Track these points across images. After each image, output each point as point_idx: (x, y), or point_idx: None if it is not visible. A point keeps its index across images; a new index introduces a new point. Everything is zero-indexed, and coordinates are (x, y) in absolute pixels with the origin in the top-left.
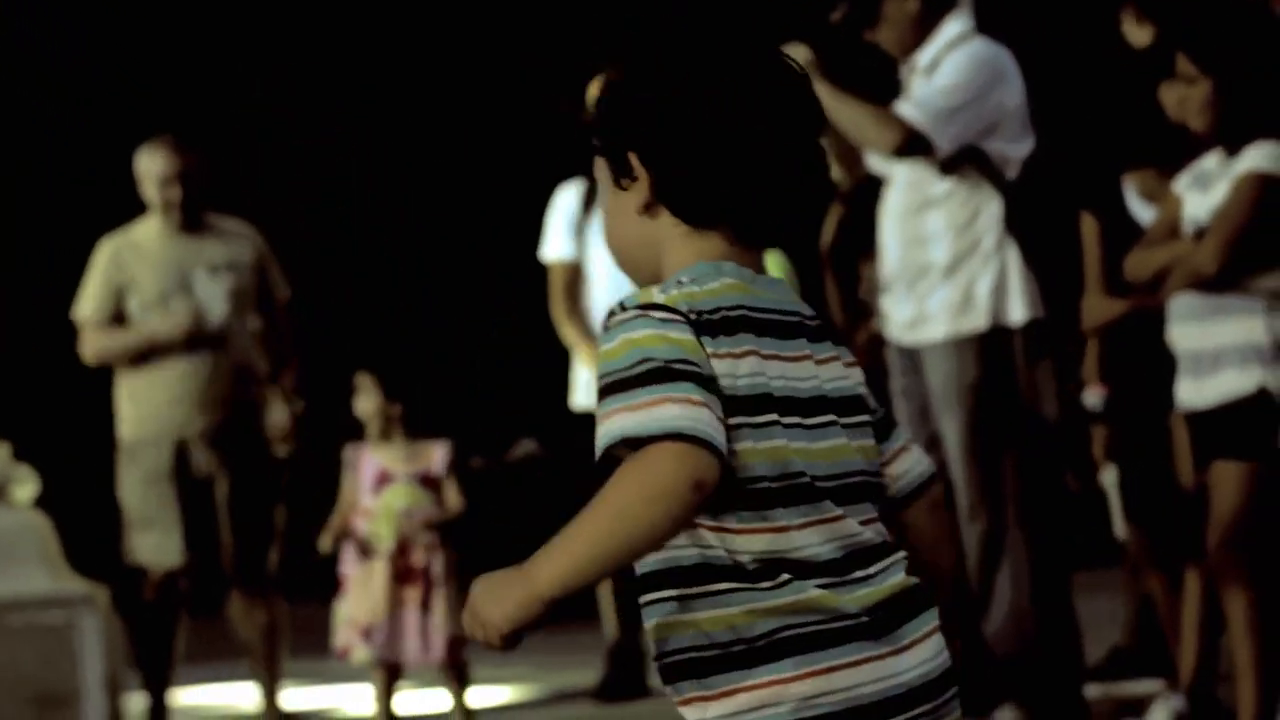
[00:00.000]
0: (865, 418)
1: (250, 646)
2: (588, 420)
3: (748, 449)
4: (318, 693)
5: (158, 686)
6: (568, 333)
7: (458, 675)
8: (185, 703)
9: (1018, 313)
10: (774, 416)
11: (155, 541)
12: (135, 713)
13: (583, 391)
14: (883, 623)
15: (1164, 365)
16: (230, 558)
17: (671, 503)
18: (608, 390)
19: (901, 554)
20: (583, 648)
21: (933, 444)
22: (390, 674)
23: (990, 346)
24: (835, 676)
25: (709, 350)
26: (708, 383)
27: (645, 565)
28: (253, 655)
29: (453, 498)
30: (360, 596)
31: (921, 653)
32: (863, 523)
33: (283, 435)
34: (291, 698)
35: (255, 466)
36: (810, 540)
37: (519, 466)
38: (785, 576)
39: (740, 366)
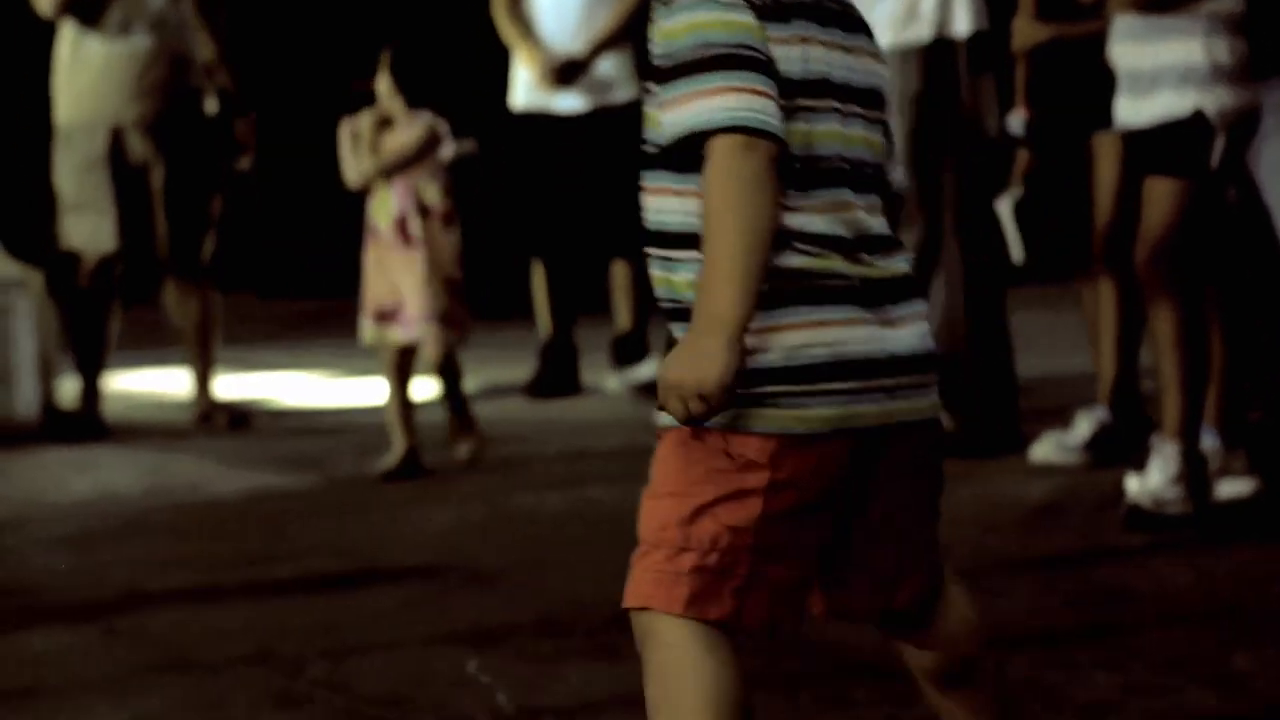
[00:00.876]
0: (880, 114)
1: (184, 334)
2: (527, 120)
3: (802, 130)
4: (250, 380)
5: (91, 371)
6: (508, 32)
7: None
8: (118, 388)
9: (962, 25)
10: (832, 103)
11: (90, 226)
12: (68, 397)
13: (521, 91)
14: (876, 296)
15: (1088, 91)
16: (164, 245)
17: (764, 185)
18: (671, 73)
19: (906, 250)
20: (515, 344)
21: None
22: (402, 358)
23: (934, 58)
24: (825, 331)
25: (770, 34)
26: (768, 68)
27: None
28: (186, 342)
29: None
30: (369, 278)
31: (910, 330)
32: (870, 212)
33: (244, 148)
34: (224, 385)
35: (192, 155)
36: (823, 223)
37: (457, 165)
38: (790, 245)
39: (797, 52)
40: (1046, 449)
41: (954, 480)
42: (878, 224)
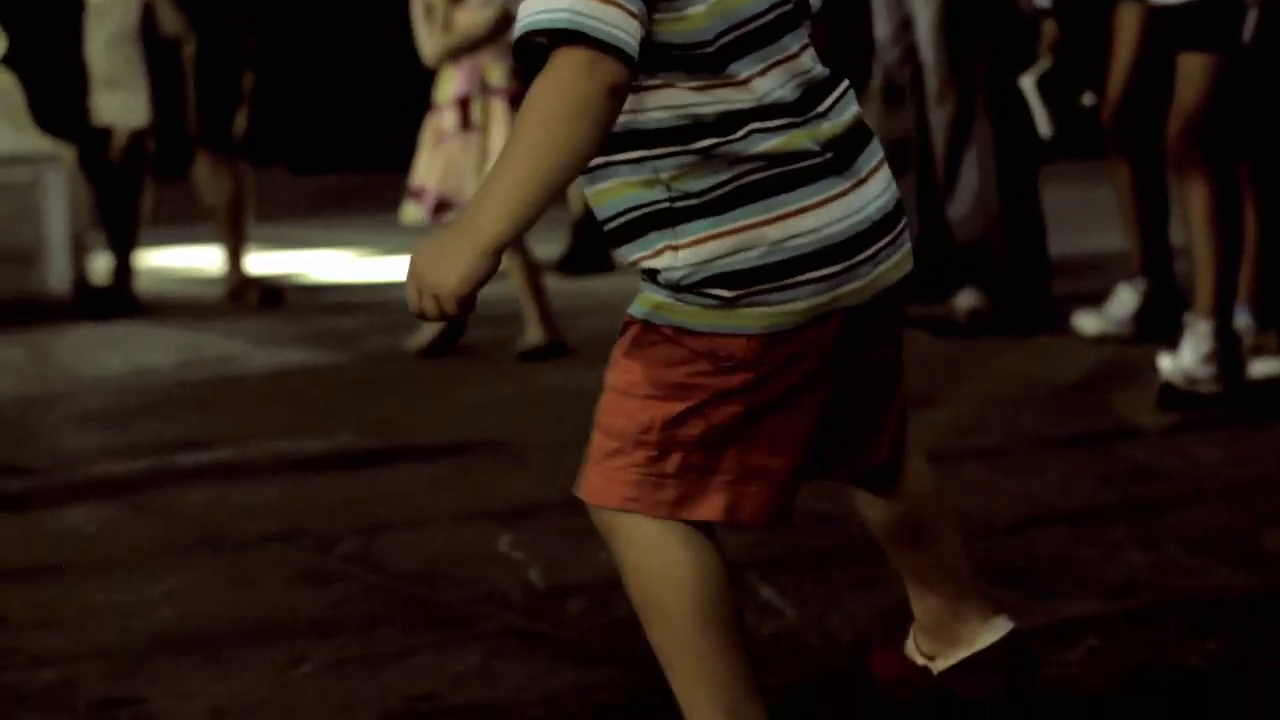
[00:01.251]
0: None
1: (215, 209)
2: None
3: (699, 12)
4: (281, 258)
5: (123, 247)
6: None
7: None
8: (150, 264)
9: None
10: None
11: (121, 101)
12: (100, 273)
13: None
14: (843, 157)
15: None
16: (196, 119)
17: (591, 114)
18: None
19: (846, 85)
20: (547, 221)
21: (905, 27)
22: None
23: None
24: (805, 218)
25: None
26: None
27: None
28: (218, 218)
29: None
30: (422, 153)
31: (878, 184)
32: (808, 54)
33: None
34: (255, 262)
35: (224, 29)
36: (771, 85)
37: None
38: (749, 128)
39: None
40: (1091, 322)
41: (987, 358)
42: (816, 65)
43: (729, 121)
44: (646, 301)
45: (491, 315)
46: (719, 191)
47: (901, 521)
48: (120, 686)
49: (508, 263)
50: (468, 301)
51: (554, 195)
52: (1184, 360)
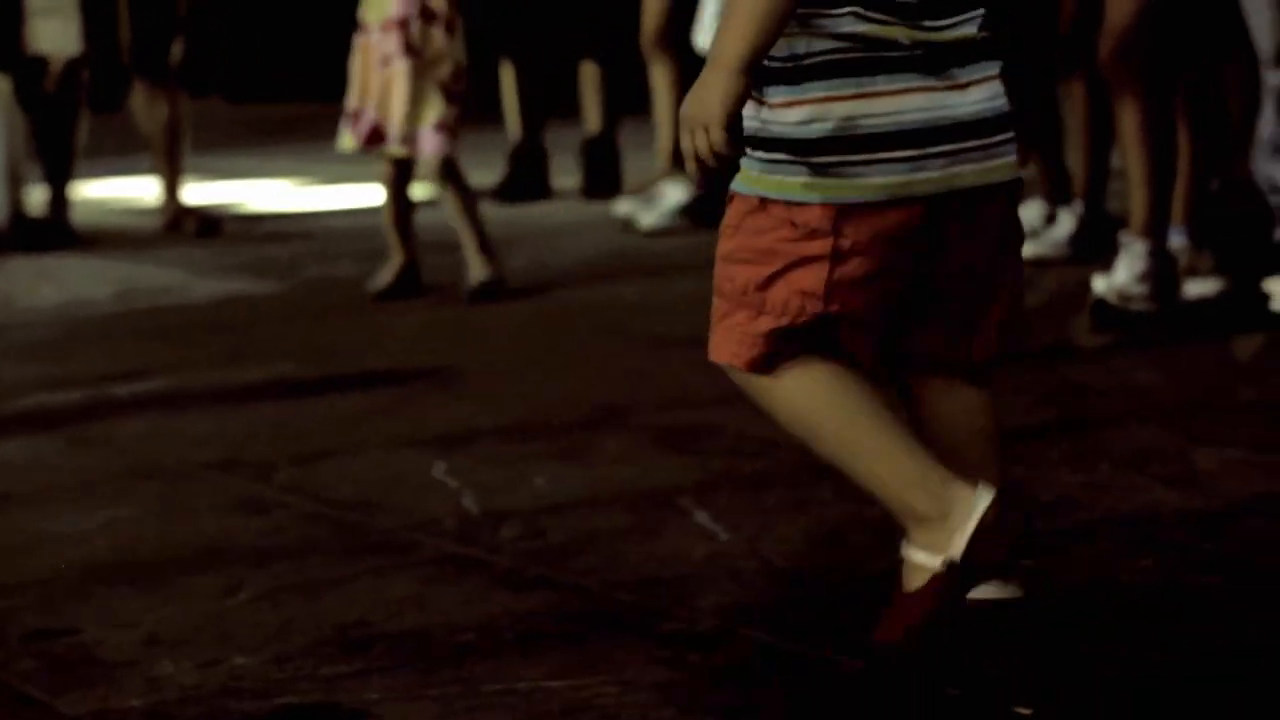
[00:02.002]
0: None
1: (151, 139)
2: None
3: None
4: (218, 188)
5: (59, 178)
6: None
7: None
8: (87, 196)
9: None
10: None
11: (54, 29)
12: (36, 204)
13: None
14: (938, 60)
15: None
16: (131, 48)
17: None
18: None
19: (980, 11)
20: (483, 148)
21: None
22: (397, 169)
23: None
24: (879, 101)
25: None
26: None
27: None
28: (154, 148)
29: None
30: (352, 77)
31: (977, 93)
32: None
33: None
34: (192, 192)
35: None
36: None
37: None
38: (849, 9)
39: None
40: (1032, 245)
41: None
42: None
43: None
44: (742, 176)
45: (429, 243)
46: (802, 62)
47: (971, 423)
48: (55, 617)
49: (441, 193)
50: (735, 127)
51: (785, 16)
52: (1118, 278)
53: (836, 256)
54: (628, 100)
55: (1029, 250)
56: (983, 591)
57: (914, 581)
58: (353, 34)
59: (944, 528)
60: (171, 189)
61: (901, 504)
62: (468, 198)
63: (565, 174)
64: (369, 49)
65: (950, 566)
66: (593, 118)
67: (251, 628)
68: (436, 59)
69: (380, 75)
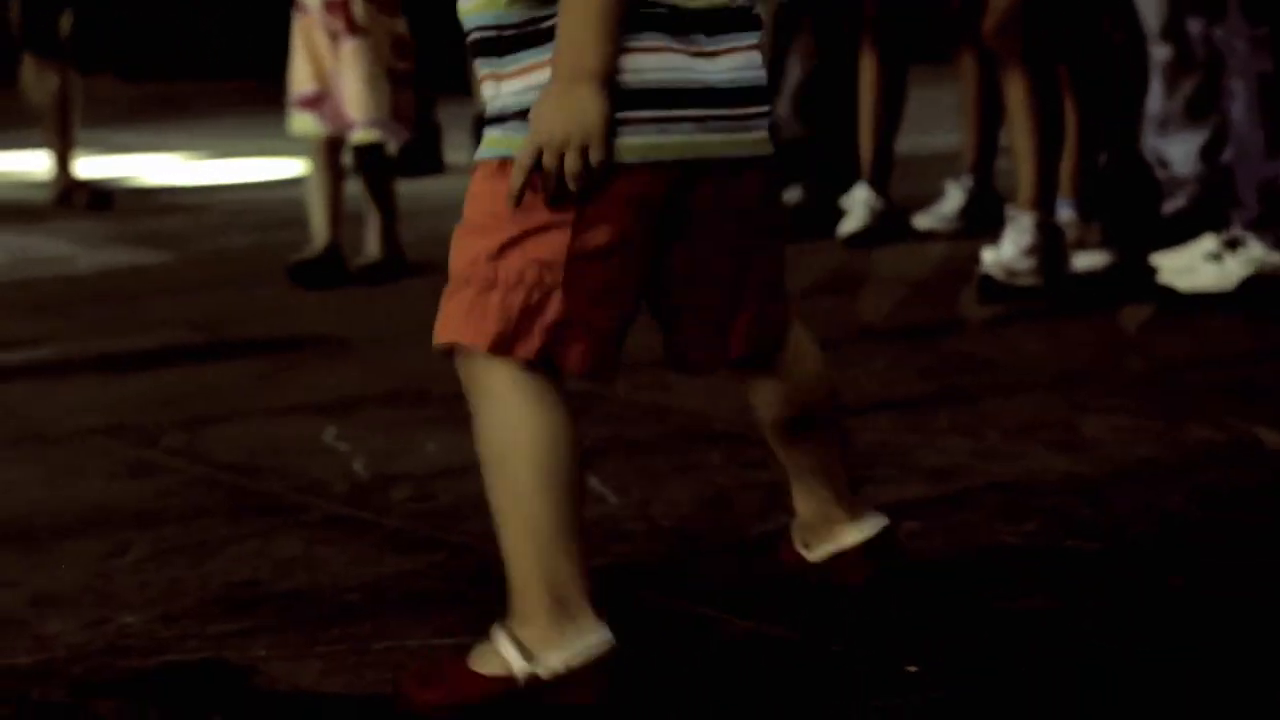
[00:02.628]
0: None
1: (42, 112)
2: None
3: None
4: (109, 162)
5: None
6: None
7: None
8: None
9: None
10: None
11: None
12: None
13: None
14: (690, 24)
15: None
16: (19, 20)
17: None
18: None
19: None
20: None
21: None
22: (330, 149)
23: None
24: (627, 58)
25: None
26: None
27: None
28: (45, 121)
29: None
30: (299, 60)
31: (731, 61)
32: None
33: None
34: (84, 167)
35: None
36: None
37: None
38: None
39: None
40: (925, 219)
41: (811, 255)
42: None
43: None
44: (486, 140)
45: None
46: (541, 25)
47: (788, 409)
48: None
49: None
50: (612, 135)
51: (625, 11)
52: (1004, 253)
53: (580, 223)
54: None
55: (922, 222)
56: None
57: (486, 664)
58: (238, 10)
59: (550, 640)
60: (63, 162)
61: (526, 589)
62: (390, 181)
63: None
64: (312, 29)
65: (530, 681)
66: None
67: (138, 588)
68: (380, 41)
69: (331, 56)
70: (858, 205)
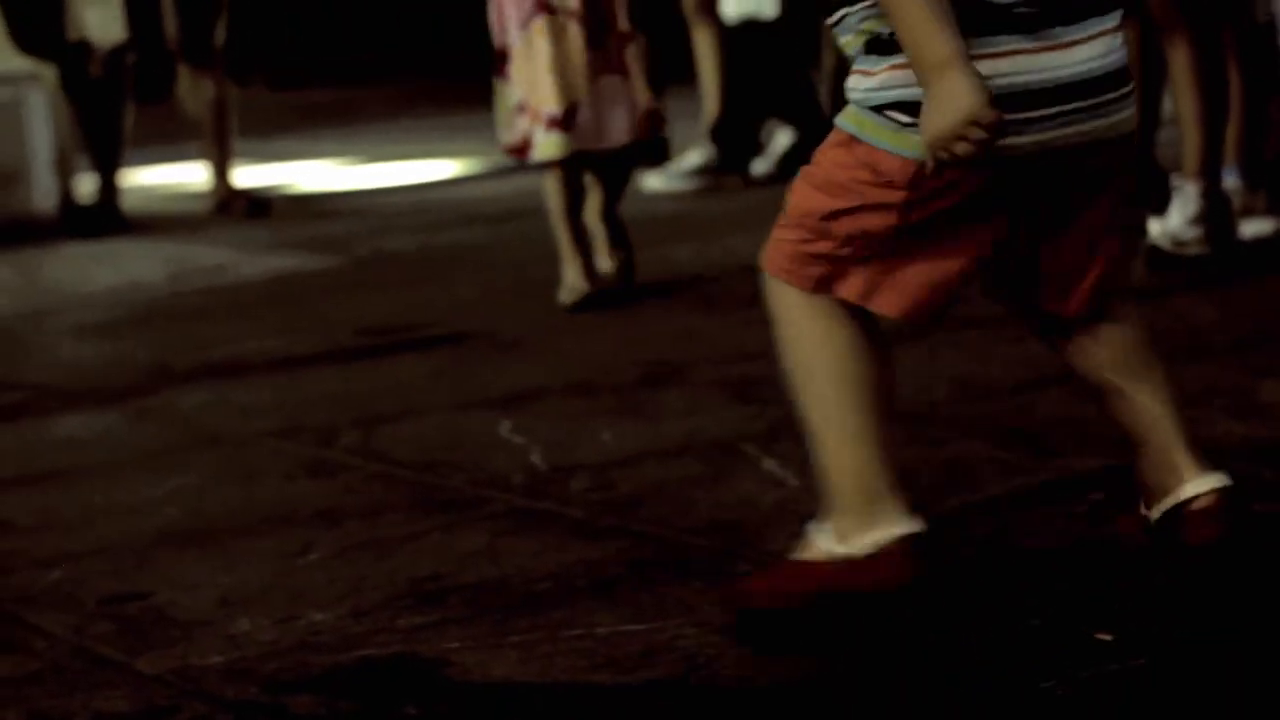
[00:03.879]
0: None
1: (199, 123)
2: None
3: None
4: (265, 170)
5: (107, 164)
6: None
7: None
8: (135, 183)
9: None
10: None
11: (97, 16)
12: (86, 193)
13: None
14: (1040, 19)
15: None
16: (176, 32)
17: None
18: None
19: None
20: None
21: None
22: (572, 168)
23: None
24: (978, 64)
25: None
26: None
27: None
28: (202, 131)
29: None
30: (529, 72)
31: (1085, 51)
32: None
33: None
34: (242, 176)
35: None
36: None
37: None
38: None
39: None
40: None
41: None
42: None
43: None
44: (847, 113)
45: (483, 214)
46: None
47: (1107, 367)
48: (127, 582)
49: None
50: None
51: None
52: (1171, 223)
53: (906, 208)
54: (672, 69)
55: None
56: None
57: (808, 553)
58: (382, 20)
59: (861, 525)
60: (221, 172)
61: (839, 485)
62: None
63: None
64: (564, 31)
65: (847, 561)
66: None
67: (325, 585)
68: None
69: (591, 62)
70: None
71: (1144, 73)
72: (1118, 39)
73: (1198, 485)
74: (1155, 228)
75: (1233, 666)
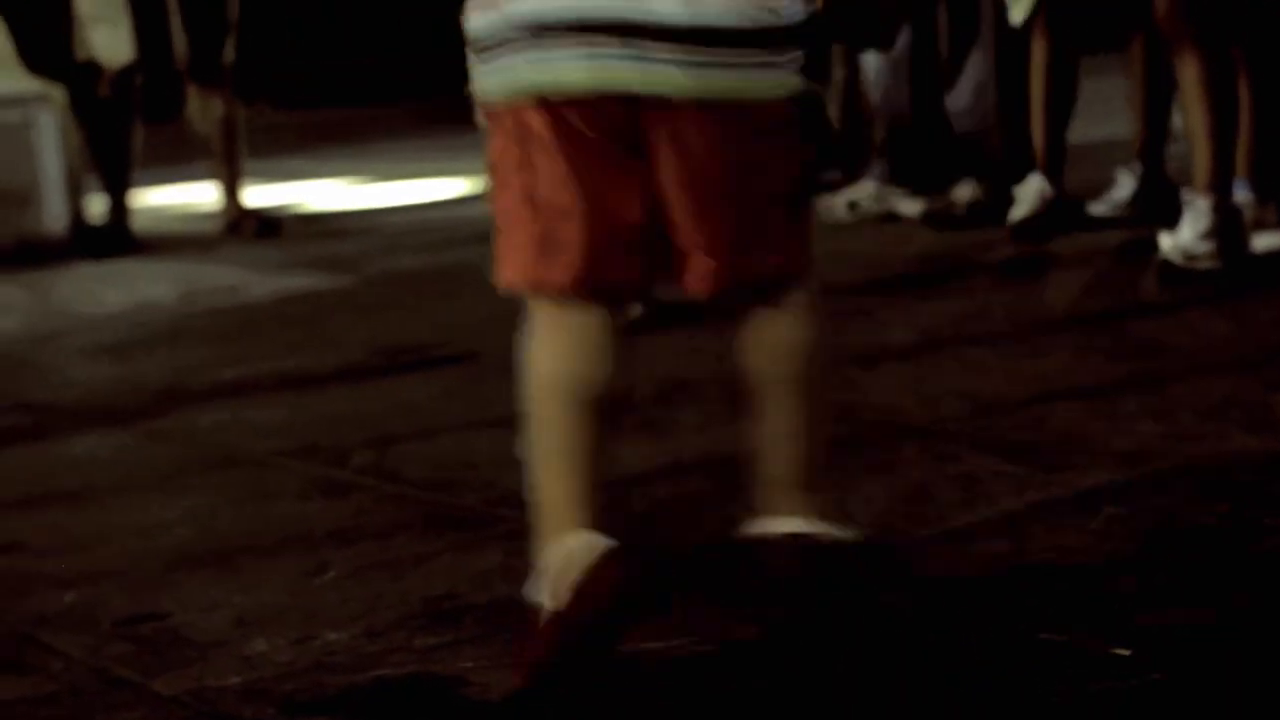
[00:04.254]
0: None
1: (208, 142)
2: None
3: None
4: (274, 190)
5: (117, 186)
6: None
7: None
8: (145, 203)
9: None
10: None
11: (105, 36)
12: (96, 214)
13: None
14: None
15: None
16: (184, 51)
17: None
18: None
19: None
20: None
21: None
22: None
23: None
24: None
25: None
26: None
27: None
28: (212, 151)
29: None
30: None
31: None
32: None
33: None
34: (250, 195)
35: None
36: None
37: None
38: None
39: None
40: (1099, 207)
41: (988, 249)
42: None
43: None
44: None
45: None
46: None
47: (764, 367)
48: (143, 603)
49: None
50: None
51: None
52: (1182, 237)
53: (543, 146)
54: None
55: (1096, 210)
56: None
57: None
58: (389, 40)
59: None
60: (230, 189)
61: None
62: None
63: None
64: None
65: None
66: None
67: (340, 605)
68: None
69: None
70: (1030, 194)
71: (1152, 87)
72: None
73: (775, 525)
74: (1166, 242)
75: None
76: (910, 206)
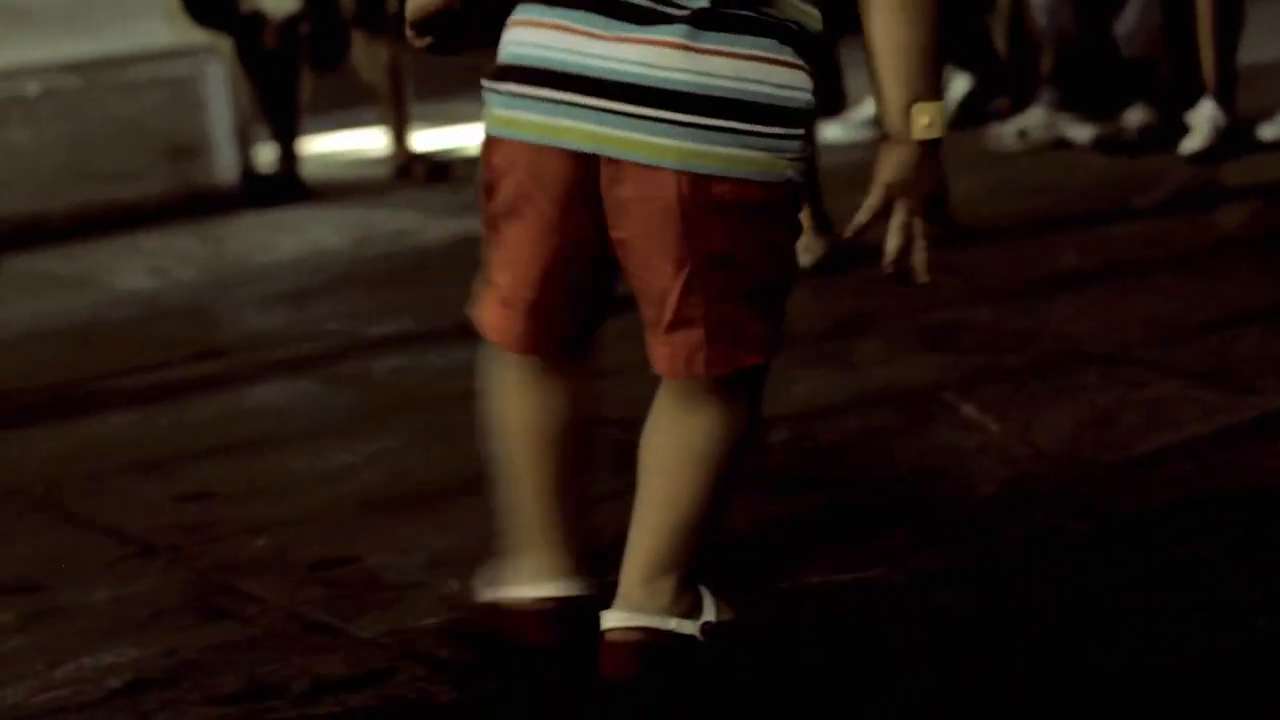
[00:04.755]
0: None
1: (375, 88)
2: None
3: None
4: (443, 133)
5: (286, 134)
6: None
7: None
8: (314, 151)
9: None
10: None
11: None
12: (265, 163)
13: None
14: (635, 13)
15: None
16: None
17: None
18: None
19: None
20: None
21: None
22: None
23: None
24: (537, 31)
25: None
26: None
27: None
28: (379, 97)
29: None
30: None
31: (641, 54)
32: None
33: None
34: (420, 139)
35: None
36: None
37: None
38: None
39: None
40: (1270, 129)
41: (1161, 172)
42: None
43: None
44: None
45: None
46: None
47: (646, 445)
48: (335, 547)
49: None
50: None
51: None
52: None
53: (494, 194)
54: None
55: (1267, 133)
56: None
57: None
58: None
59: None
60: (399, 134)
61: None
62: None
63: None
64: None
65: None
66: None
67: None
68: None
69: None
70: (1202, 121)
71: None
72: (713, 62)
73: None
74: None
75: None
76: (1081, 132)
